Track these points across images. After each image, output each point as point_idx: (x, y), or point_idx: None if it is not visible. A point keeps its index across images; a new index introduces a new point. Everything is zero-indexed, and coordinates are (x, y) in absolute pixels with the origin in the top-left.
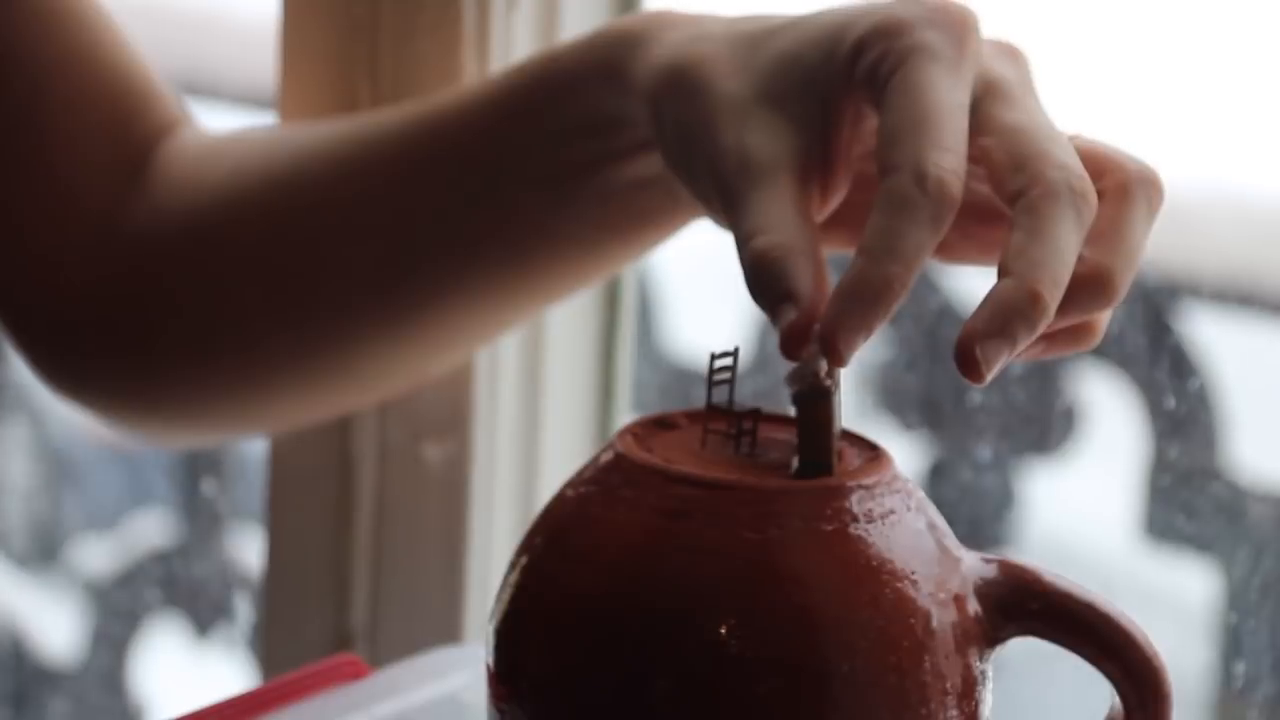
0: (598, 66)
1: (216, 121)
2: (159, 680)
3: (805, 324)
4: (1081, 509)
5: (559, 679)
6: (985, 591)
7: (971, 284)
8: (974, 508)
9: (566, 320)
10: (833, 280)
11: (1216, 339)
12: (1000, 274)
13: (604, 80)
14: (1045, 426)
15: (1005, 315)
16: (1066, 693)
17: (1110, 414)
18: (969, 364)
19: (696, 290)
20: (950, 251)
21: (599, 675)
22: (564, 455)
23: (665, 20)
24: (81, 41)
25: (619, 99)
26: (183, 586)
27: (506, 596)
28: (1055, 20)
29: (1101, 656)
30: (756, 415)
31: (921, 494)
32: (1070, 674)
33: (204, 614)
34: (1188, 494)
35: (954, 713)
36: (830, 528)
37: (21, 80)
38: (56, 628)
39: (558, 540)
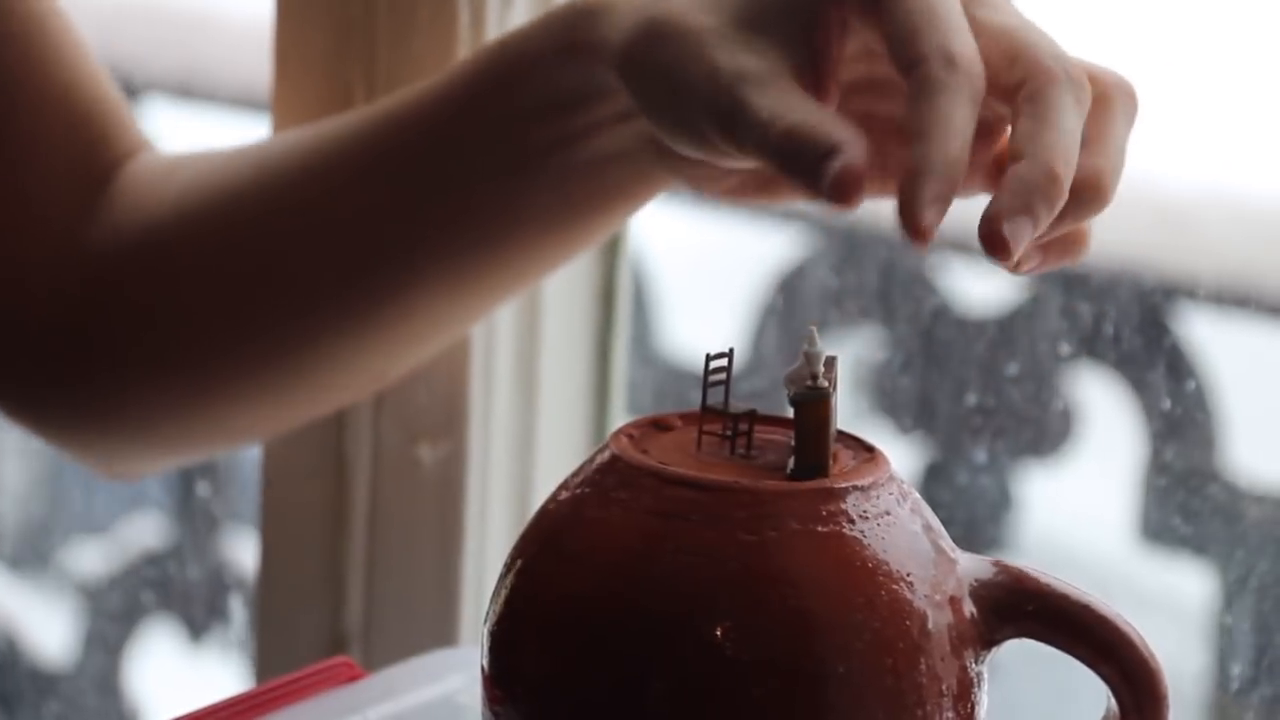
0: (556, 44)
1: (211, 123)
2: (153, 683)
3: (858, 167)
4: (1078, 511)
5: (554, 681)
6: (981, 593)
7: (969, 286)
8: (970, 509)
9: (561, 321)
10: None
11: (1213, 340)
12: (1012, 159)
13: (564, 56)
14: (1041, 428)
15: (1027, 193)
16: (1062, 695)
17: (1106, 415)
18: (997, 243)
19: (691, 291)
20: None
21: (594, 678)
22: (559, 457)
23: None
24: (51, 67)
25: (582, 71)
26: (177, 589)
27: (501, 598)
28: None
29: (1098, 658)
30: (752, 417)
31: (917, 496)
32: (1066, 676)
33: (198, 617)
34: (1184, 496)
35: (950, 714)
36: (826, 529)
37: None
38: (50, 630)
39: (553, 542)
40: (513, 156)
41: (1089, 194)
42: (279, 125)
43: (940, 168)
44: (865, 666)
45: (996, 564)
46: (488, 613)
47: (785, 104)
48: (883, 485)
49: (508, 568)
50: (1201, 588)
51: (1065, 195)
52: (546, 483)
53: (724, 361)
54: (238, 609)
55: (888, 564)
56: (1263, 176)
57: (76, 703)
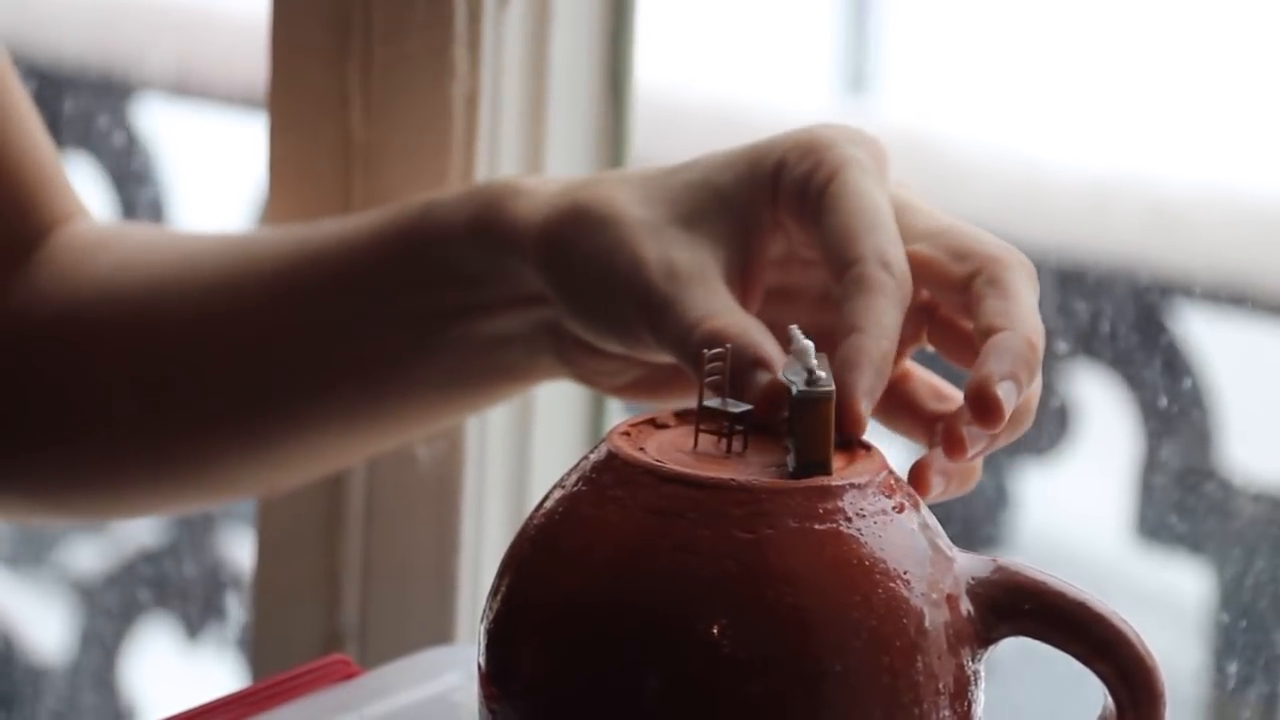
0: (470, 221)
1: (207, 121)
2: (149, 680)
3: (781, 386)
4: (1074, 509)
5: (550, 679)
6: (978, 591)
7: None
8: (967, 507)
9: None
10: None
11: (1209, 338)
12: (985, 334)
13: (476, 233)
14: (1038, 426)
15: (1013, 360)
16: (1059, 693)
17: (1103, 414)
18: (991, 404)
19: None
20: None
21: (590, 676)
22: (555, 455)
23: (533, 180)
24: None
25: (491, 251)
26: (173, 586)
27: (498, 596)
28: (1054, 19)
29: (1094, 656)
30: (749, 416)
31: (914, 493)
32: (1063, 674)
33: (194, 614)
34: (1180, 493)
35: (946, 713)
36: (823, 527)
37: None
38: (46, 628)
39: (549, 540)
40: (417, 317)
41: (1032, 360)
42: (275, 124)
43: (875, 360)
44: (862, 664)
45: (993, 562)
46: (484, 610)
47: (713, 305)
48: (880, 483)
49: (504, 566)
50: (1198, 585)
51: (1039, 364)
52: (543, 481)
53: (720, 360)
54: (234, 606)
55: (885, 562)
56: (1259, 175)
57: (73, 700)
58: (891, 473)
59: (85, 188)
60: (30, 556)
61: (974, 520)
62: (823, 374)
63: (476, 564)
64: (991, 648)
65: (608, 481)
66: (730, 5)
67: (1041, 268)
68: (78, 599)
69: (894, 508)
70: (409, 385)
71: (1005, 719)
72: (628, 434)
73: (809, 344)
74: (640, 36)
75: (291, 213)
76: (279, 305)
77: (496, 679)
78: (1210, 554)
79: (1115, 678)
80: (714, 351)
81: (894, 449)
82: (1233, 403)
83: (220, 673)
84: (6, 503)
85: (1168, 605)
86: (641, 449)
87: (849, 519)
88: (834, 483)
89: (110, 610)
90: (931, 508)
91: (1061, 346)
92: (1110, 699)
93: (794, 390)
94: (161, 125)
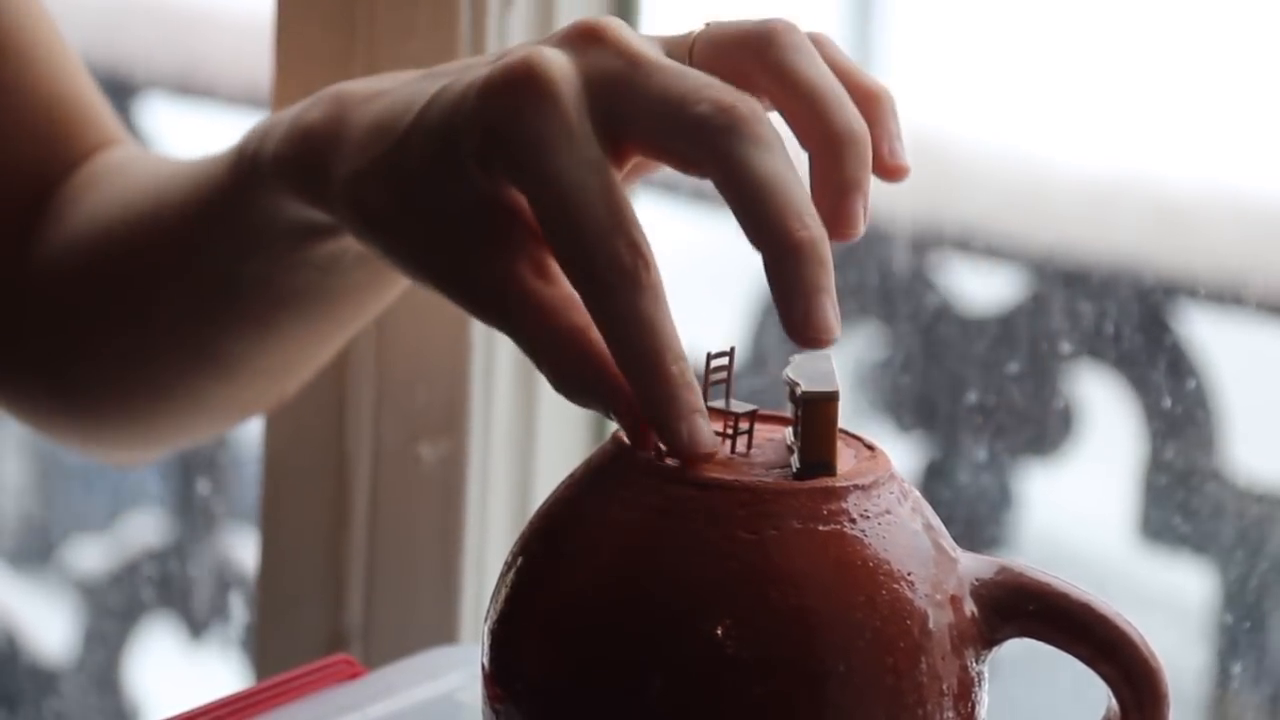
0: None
1: (211, 120)
2: (153, 680)
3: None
4: (1078, 509)
5: (555, 679)
6: (982, 592)
7: (969, 284)
8: (970, 508)
9: None
10: None
11: (1213, 339)
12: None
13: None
14: (1042, 427)
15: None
16: (1063, 694)
17: (1107, 414)
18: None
19: (691, 289)
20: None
21: (595, 676)
22: (560, 455)
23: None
24: (19, 61)
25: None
26: (177, 586)
27: (502, 596)
28: (1057, 19)
29: (1098, 657)
30: (753, 415)
31: (918, 494)
32: (1067, 675)
33: (198, 614)
34: (1184, 494)
35: (950, 714)
36: (827, 528)
37: None
38: (50, 628)
39: (553, 540)
40: (263, 250)
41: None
42: None
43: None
44: (866, 665)
45: (997, 563)
46: (488, 610)
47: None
48: (883, 484)
49: (508, 565)
50: (1201, 586)
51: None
52: (547, 481)
53: (725, 360)
54: (238, 606)
55: (888, 563)
56: (1263, 175)
57: (77, 700)
58: (895, 474)
59: None
60: (34, 556)
61: (977, 521)
62: (827, 375)
63: (480, 564)
64: (995, 649)
65: (612, 482)
66: (733, 5)
67: (1045, 268)
68: (82, 598)
69: (897, 509)
70: (310, 293)
71: None
72: None
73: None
74: None
75: None
76: (180, 236)
77: (500, 679)
78: (1214, 555)
79: (1119, 679)
80: (718, 351)
81: (896, 448)
82: (1237, 404)
83: (224, 673)
84: (94, 435)
85: (1171, 606)
86: (646, 449)
87: (853, 520)
88: (838, 484)
89: (114, 610)
90: (935, 508)
91: (1065, 347)
92: (1114, 700)
93: (798, 390)
94: (165, 125)
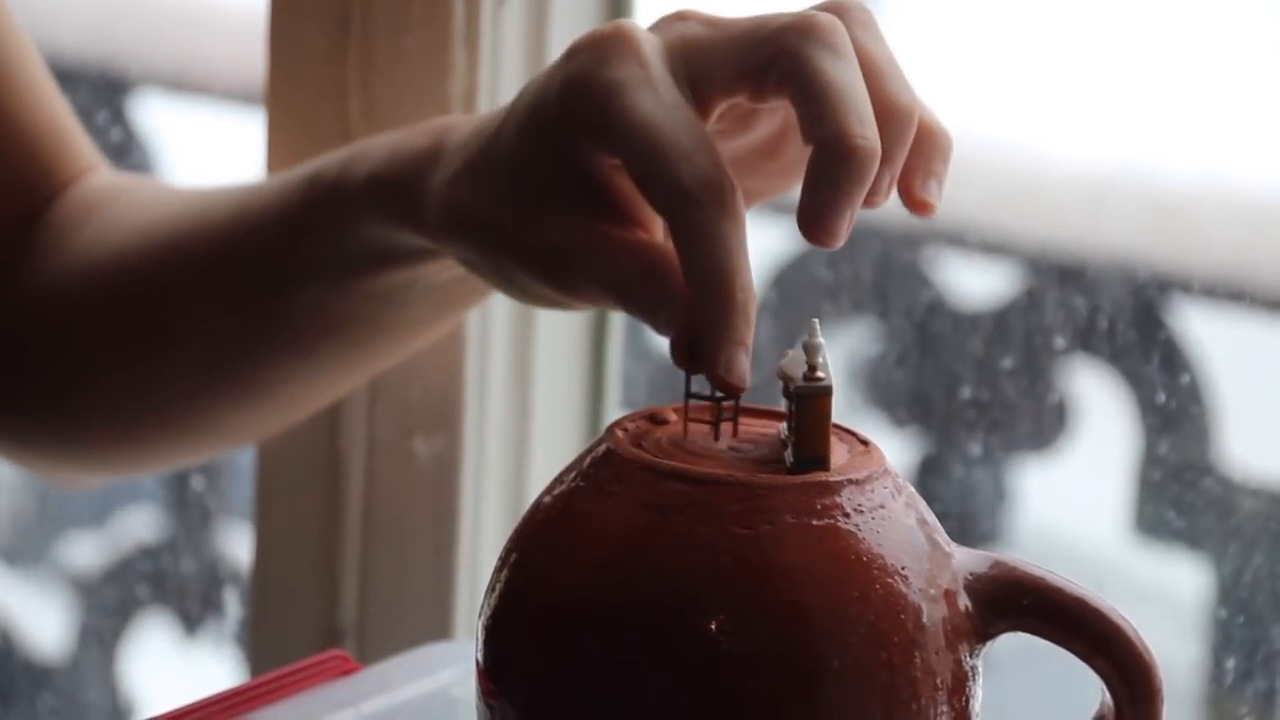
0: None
1: (205, 117)
2: (148, 676)
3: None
4: (1072, 504)
5: (548, 675)
6: (976, 587)
7: (963, 279)
8: (965, 503)
9: (556, 315)
10: None
11: (1208, 334)
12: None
13: (382, 224)
14: (1036, 422)
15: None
16: (1057, 689)
17: (1101, 409)
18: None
19: None
20: None
21: (588, 671)
22: (553, 451)
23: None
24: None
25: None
26: (171, 582)
27: (496, 592)
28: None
29: (1092, 652)
30: (737, 400)
31: (912, 489)
32: (1061, 670)
33: (193, 610)
34: (1179, 489)
35: (945, 708)
36: (820, 523)
37: None
38: (45, 624)
39: (547, 536)
40: (341, 281)
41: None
42: (274, 120)
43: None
44: (860, 660)
45: (991, 558)
46: (482, 606)
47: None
48: (877, 479)
49: (502, 561)
50: (1196, 581)
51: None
52: (541, 476)
53: None
54: (232, 602)
55: (882, 558)
56: (1258, 169)
57: (71, 696)
58: (890, 469)
59: None
60: (29, 552)
61: (972, 516)
62: (822, 370)
63: (474, 560)
64: (989, 643)
65: (606, 477)
66: (729, 4)
67: (1040, 263)
68: (76, 595)
69: (892, 504)
70: (359, 323)
71: (1003, 715)
72: (626, 429)
73: (820, 342)
74: None
75: None
76: (224, 264)
77: (495, 674)
78: (1208, 550)
79: (1113, 673)
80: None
81: (890, 443)
82: (1231, 398)
83: (219, 668)
84: (54, 461)
85: (1166, 601)
86: (640, 444)
87: (847, 514)
88: (832, 478)
89: (109, 606)
90: (929, 503)
91: (1060, 342)
92: (1108, 694)
93: (793, 384)
94: (160, 121)
